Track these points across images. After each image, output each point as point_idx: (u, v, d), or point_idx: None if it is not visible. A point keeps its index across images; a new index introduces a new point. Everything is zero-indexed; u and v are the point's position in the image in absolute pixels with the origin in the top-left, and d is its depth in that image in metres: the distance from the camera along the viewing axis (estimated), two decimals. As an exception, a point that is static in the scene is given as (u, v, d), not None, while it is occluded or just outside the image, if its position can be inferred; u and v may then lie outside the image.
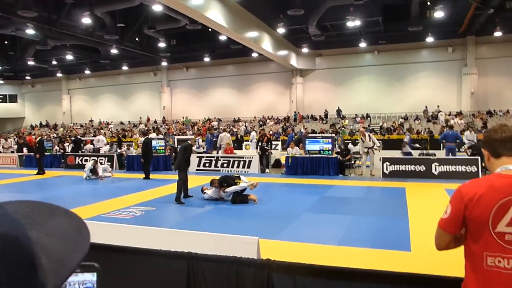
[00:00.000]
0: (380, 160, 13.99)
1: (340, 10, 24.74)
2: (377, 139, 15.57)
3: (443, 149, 16.50)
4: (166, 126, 35.16)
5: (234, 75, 37.57)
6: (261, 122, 33.55)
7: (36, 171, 16.78)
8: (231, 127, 31.52)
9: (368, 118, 31.88)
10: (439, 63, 31.21)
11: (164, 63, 37.39)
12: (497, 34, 27.01)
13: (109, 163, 17.31)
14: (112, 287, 2.53)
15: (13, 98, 47.02)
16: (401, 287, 2.40)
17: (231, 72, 37.70)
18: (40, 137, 19.89)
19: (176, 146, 19.10)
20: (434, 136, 23.72)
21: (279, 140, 26.01)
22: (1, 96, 46.53)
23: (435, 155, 14.52)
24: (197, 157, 16.64)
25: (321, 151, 14.86)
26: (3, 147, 25.04)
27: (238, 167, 16.01)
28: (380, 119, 31.56)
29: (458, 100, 30.91)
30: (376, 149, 14.54)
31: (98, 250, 2.81)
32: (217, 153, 17.88)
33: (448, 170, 13.11)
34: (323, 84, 34.93)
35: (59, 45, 30.88)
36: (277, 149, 22.56)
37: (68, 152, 20.58)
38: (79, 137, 24.32)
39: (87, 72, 41.12)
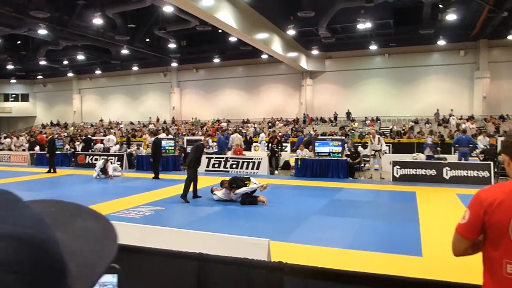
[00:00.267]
0: (390, 163, 13.88)
1: (351, 13, 24.60)
2: (387, 142, 15.49)
3: (454, 153, 16.34)
4: (175, 127, 35.28)
5: (244, 77, 37.59)
6: (270, 124, 33.52)
7: (47, 169, 16.92)
8: (240, 128, 31.52)
9: (378, 121, 31.69)
10: (450, 67, 30.92)
11: (174, 64, 37.55)
12: (511, 37, 26.68)
13: (119, 163, 17.40)
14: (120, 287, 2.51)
15: (25, 97, 47.54)
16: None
17: (240, 73, 37.72)
18: (51, 136, 20.08)
19: (185, 146, 19.16)
20: (445, 140, 23.49)
21: (288, 142, 25.97)
22: (13, 95, 47.08)
23: (446, 159, 14.39)
24: (207, 157, 16.65)
25: (331, 154, 14.78)
26: (15, 145, 25.33)
27: (247, 168, 16.00)
28: (390, 122, 31.36)
29: (470, 104, 30.58)
30: (382, 153, 14.44)
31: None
32: (226, 153, 17.89)
33: (459, 175, 12.96)
34: (333, 87, 34.80)
35: (70, 46, 31.16)
36: (286, 151, 22.51)
37: (78, 151, 20.73)
38: (89, 136, 24.50)
39: (98, 72, 41.46)
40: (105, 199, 10.41)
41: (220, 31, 24.97)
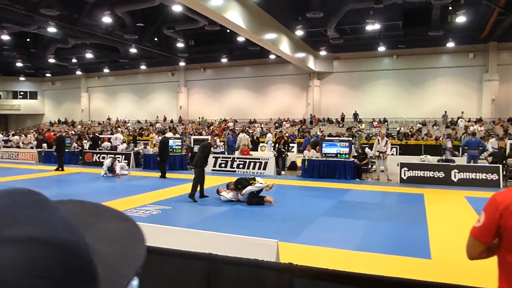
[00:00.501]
0: (398, 165, 13.81)
1: (360, 14, 24.51)
2: (394, 144, 15.39)
3: (462, 156, 16.23)
4: (183, 126, 35.36)
5: (251, 77, 37.59)
6: (277, 124, 33.49)
7: (56, 167, 17.03)
8: (247, 128, 31.53)
9: (385, 123, 31.54)
10: (459, 69, 30.70)
11: (181, 63, 37.65)
12: (521, 40, 26.48)
13: (126, 161, 17.46)
14: None
15: (33, 95, 47.90)
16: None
17: (248, 73, 37.72)
18: (60, 134, 20.20)
19: (192, 146, 19.20)
20: (453, 142, 23.28)
21: (295, 143, 25.93)
22: (22, 93, 47.45)
23: (454, 161, 14.28)
24: (213, 157, 16.66)
25: (338, 155, 14.73)
26: (23, 142, 25.50)
27: (254, 168, 15.99)
28: (397, 124, 31.21)
29: (479, 106, 30.35)
30: (385, 156, 14.35)
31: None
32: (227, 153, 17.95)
33: (468, 177, 12.86)
34: (340, 88, 34.70)
35: (79, 44, 31.36)
36: (293, 152, 22.48)
37: (86, 149, 20.83)
38: (97, 134, 24.61)
39: (106, 70, 41.68)
40: (112, 197, 10.45)
41: (228, 31, 24.98)
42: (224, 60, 35.36)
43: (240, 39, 27.86)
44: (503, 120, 28.52)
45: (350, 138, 18.47)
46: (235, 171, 16.05)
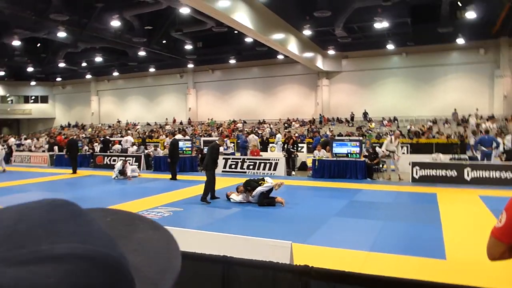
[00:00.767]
0: (409, 164, 13.68)
1: (368, 12, 24.32)
2: (405, 143, 15.25)
3: (475, 154, 16.03)
4: (192, 128, 35.46)
5: (259, 77, 37.56)
6: (286, 125, 33.42)
7: (70, 170, 17.20)
8: (256, 129, 31.51)
9: (395, 121, 31.30)
10: (470, 65, 30.33)
11: (190, 65, 37.76)
12: (532, 35, 26.09)
13: (137, 164, 17.55)
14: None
15: (44, 99, 48.41)
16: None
17: (256, 74, 37.71)
18: (72, 137, 20.39)
19: (202, 147, 19.23)
20: (464, 140, 23.05)
21: (304, 143, 25.83)
22: (33, 97, 47.97)
23: (467, 159, 14.11)
24: (224, 158, 16.66)
25: (349, 155, 14.65)
26: (34, 146, 25.77)
27: (264, 169, 15.97)
28: (407, 122, 30.94)
29: (490, 103, 29.95)
30: (395, 156, 14.21)
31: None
32: (241, 154, 17.93)
33: (481, 176, 12.68)
34: (349, 86, 34.50)
35: (88, 48, 31.63)
36: (302, 152, 22.42)
37: (97, 152, 20.99)
38: (107, 137, 24.77)
39: (115, 74, 41.97)
40: (124, 200, 10.51)
41: (236, 32, 24.98)
42: (232, 61, 35.39)
43: (248, 39, 27.85)
44: (515, 117, 28.13)
45: (361, 138, 18.36)
46: (245, 172, 16.04)
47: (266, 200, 9.47)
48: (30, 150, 25.05)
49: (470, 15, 23.85)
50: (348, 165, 14.44)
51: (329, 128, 29.93)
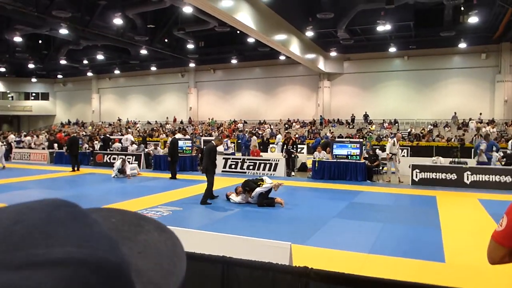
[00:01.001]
0: (409, 167, 13.70)
1: (371, 14, 24.34)
2: (405, 145, 15.36)
3: (475, 158, 16.04)
4: (192, 127, 35.46)
5: (261, 78, 37.56)
6: (286, 125, 33.42)
7: (71, 168, 17.19)
8: (257, 129, 31.51)
9: (396, 124, 31.31)
10: (471, 70, 30.35)
11: (191, 65, 37.75)
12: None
13: (137, 162, 17.55)
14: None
15: (45, 96, 48.42)
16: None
17: (258, 74, 37.71)
18: (73, 135, 20.37)
19: (202, 147, 19.24)
20: (465, 144, 23.06)
21: (304, 144, 25.82)
22: (34, 94, 47.98)
23: (467, 163, 14.12)
24: (223, 158, 16.66)
25: (349, 156, 14.65)
26: (34, 143, 25.74)
27: (264, 169, 15.97)
28: (408, 125, 30.95)
29: (491, 108, 29.98)
30: (397, 159, 14.29)
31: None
32: (243, 154, 17.93)
33: (481, 179, 12.70)
34: (351, 89, 34.50)
35: (90, 45, 31.60)
36: (302, 153, 22.41)
37: (97, 150, 20.98)
38: (107, 135, 24.77)
39: (117, 72, 41.97)
40: (123, 198, 10.50)
41: (238, 32, 24.99)
42: (234, 61, 35.38)
43: (250, 40, 27.86)
44: (516, 121, 28.13)
45: (361, 140, 18.37)
46: (245, 172, 16.03)
47: (266, 200, 9.47)
48: (30, 147, 25.03)
49: (473, 20, 23.87)
50: (348, 166, 14.45)
51: (330, 130, 29.93)
